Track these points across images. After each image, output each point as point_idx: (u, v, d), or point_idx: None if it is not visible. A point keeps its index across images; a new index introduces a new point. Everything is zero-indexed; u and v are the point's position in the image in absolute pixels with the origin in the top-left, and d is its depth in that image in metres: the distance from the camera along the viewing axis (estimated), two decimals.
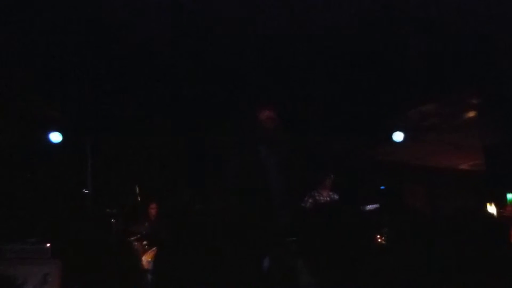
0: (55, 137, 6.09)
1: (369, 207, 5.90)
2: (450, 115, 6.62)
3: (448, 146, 7.86)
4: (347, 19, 4.13)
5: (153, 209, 6.25)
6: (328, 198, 5.80)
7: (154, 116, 6.18)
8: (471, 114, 6.65)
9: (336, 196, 5.91)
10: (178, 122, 6.34)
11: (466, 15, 4.00)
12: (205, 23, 4.07)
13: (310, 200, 5.74)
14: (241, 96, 5.22)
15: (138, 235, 5.87)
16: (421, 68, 5.05)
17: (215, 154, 5.51)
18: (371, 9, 3.95)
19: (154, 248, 5.74)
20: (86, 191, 5.27)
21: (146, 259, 5.62)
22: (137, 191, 6.07)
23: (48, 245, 4.94)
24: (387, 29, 4.28)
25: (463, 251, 1.27)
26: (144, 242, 5.85)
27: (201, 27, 4.12)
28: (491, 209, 8.88)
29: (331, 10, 3.96)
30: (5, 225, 5.50)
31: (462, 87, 5.65)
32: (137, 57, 4.75)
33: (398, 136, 6.90)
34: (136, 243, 5.84)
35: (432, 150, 8.11)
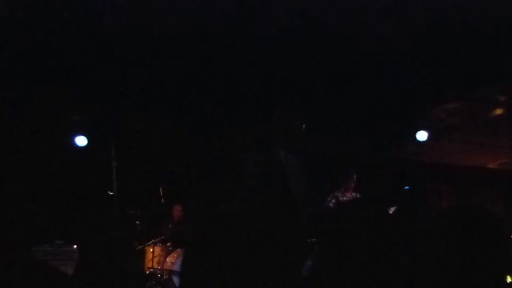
0: (81, 141, 6.23)
1: (393, 208, 5.80)
2: (476, 113, 6.47)
3: (474, 145, 7.69)
4: (369, 18, 4.09)
5: (177, 211, 6.31)
6: (351, 199, 5.74)
7: (178, 118, 6.24)
8: (498, 111, 6.49)
9: (359, 197, 5.84)
10: (201, 124, 6.38)
11: (492, 10, 3.92)
12: (231, 24, 4.09)
13: (333, 201, 5.69)
14: (265, 99, 5.23)
15: (162, 237, 5.93)
16: (445, 66, 4.96)
17: (236, 154, 5.52)
18: (394, 8, 3.90)
19: (177, 250, 5.79)
20: (111, 193, 5.36)
21: (170, 260, 5.67)
22: (161, 193, 6.13)
23: (75, 247, 5.04)
24: (411, 26, 4.22)
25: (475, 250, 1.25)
26: (168, 244, 5.91)
27: (226, 27, 4.15)
28: None
29: (352, 10, 3.93)
30: (33, 228, 5.64)
31: (488, 84, 5.52)
32: (160, 60, 4.80)
33: (422, 135, 6.78)
34: (159, 245, 5.91)
35: (458, 149, 7.95)
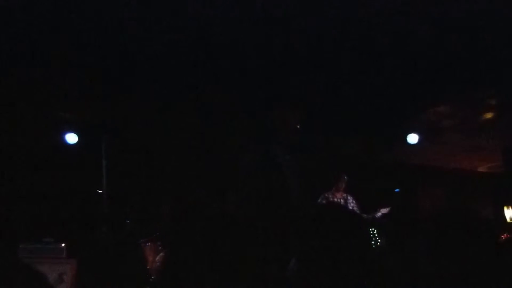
0: (71, 138, 6.18)
1: (383, 210, 5.83)
2: (467, 116, 6.52)
3: (464, 148, 7.75)
4: (361, 19, 4.10)
5: (167, 209, 6.28)
6: (341, 200, 5.76)
7: (169, 116, 6.21)
8: (489, 115, 6.54)
9: (349, 198, 5.86)
10: (192, 121, 6.36)
11: (484, 13, 3.94)
12: (227, 21, 4.07)
13: (323, 202, 5.70)
14: (259, 96, 5.22)
15: (152, 236, 5.90)
16: (436, 68, 4.99)
17: (230, 153, 5.51)
18: (387, 9, 3.91)
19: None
20: (100, 191, 5.33)
21: (160, 260, 5.64)
22: (151, 191, 6.10)
23: (63, 245, 4.99)
24: (403, 28, 4.24)
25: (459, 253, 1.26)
26: (158, 243, 5.87)
27: (222, 24, 4.13)
28: (509, 212, 8.70)
29: (346, 10, 3.94)
30: (21, 225, 5.58)
31: (479, 87, 5.56)
32: (153, 57, 4.77)
33: (412, 138, 6.81)
34: (149, 244, 5.87)
35: (448, 152, 8.00)
